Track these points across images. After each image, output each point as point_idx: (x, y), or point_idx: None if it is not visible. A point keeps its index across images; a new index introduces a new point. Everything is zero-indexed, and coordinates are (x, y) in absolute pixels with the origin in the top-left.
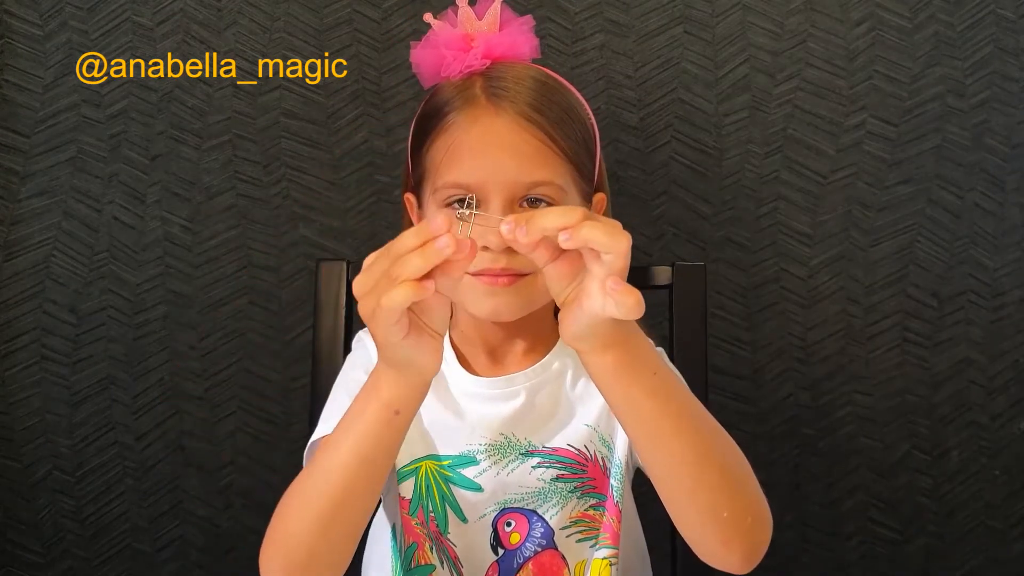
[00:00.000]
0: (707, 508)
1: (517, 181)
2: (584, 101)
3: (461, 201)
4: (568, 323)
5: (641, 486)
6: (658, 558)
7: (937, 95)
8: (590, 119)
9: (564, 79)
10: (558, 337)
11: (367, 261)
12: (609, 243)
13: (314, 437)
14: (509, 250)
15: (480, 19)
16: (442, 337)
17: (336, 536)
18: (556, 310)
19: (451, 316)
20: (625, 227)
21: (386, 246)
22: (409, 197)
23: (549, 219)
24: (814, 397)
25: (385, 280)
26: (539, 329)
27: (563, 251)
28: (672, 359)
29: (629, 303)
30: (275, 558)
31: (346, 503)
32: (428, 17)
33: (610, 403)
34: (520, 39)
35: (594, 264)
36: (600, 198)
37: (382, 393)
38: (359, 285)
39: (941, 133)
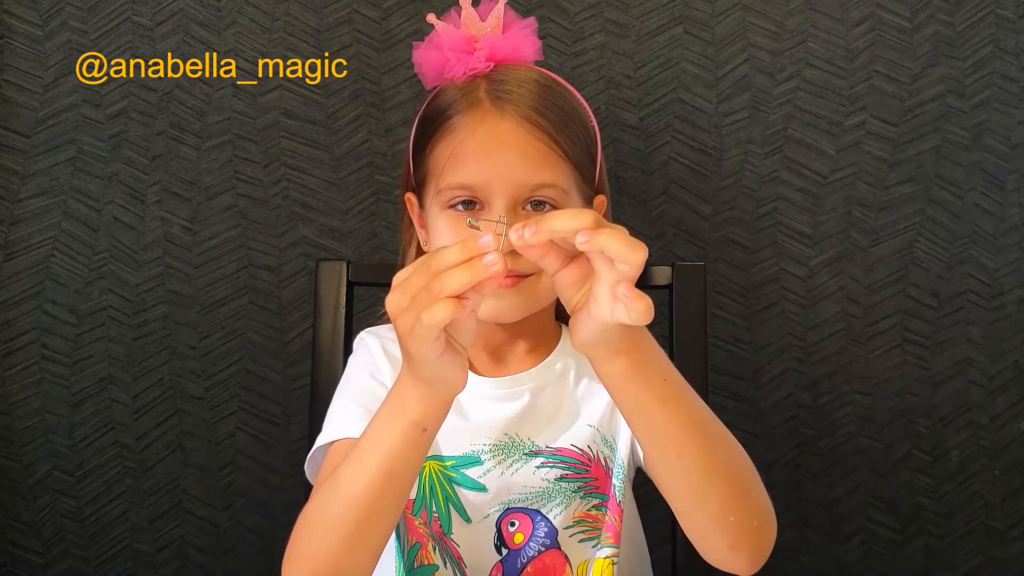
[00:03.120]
0: (715, 512)
1: (522, 183)
2: (586, 103)
3: (465, 203)
4: (578, 329)
5: (642, 486)
6: (658, 558)
7: (937, 95)
8: (592, 121)
9: (566, 81)
10: (559, 339)
11: (398, 278)
12: (627, 255)
13: (319, 443)
14: (513, 252)
15: (483, 20)
16: (468, 353)
17: (362, 551)
18: (558, 312)
19: None
20: (624, 227)
21: (419, 261)
22: (410, 197)
23: (559, 221)
24: (814, 397)
25: (425, 295)
26: (541, 330)
27: (572, 257)
28: (672, 359)
29: (640, 309)
30: (300, 574)
31: (372, 519)
32: (431, 18)
33: (620, 408)
34: (524, 42)
35: (605, 270)
36: (600, 200)
37: (410, 412)
38: (394, 303)
39: (941, 133)
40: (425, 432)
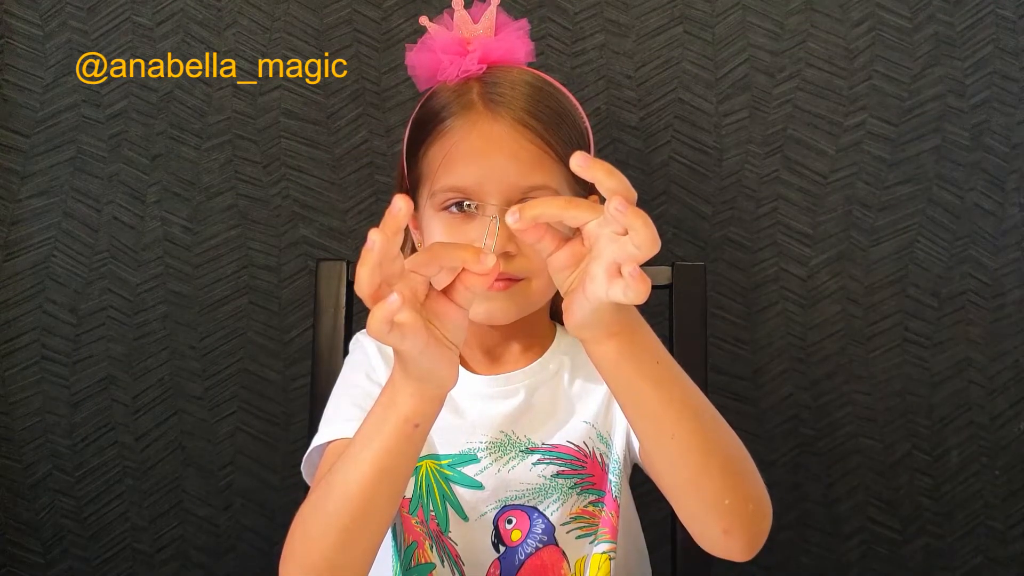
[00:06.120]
0: (709, 496)
1: (515, 185)
2: (578, 104)
3: (459, 204)
4: (573, 310)
5: (641, 486)
6: (658, 558)
7: (937, 95)
8: (584, 122)
9: (559, 82)
10: (554, 338)
11: None
12: (649, 244)
13: (315, 443)
14: (506, 255)
15: (476, 23)
16: (459, 349)
17: (358, 548)
18: (552, 312)
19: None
20: None
21: None
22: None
23: (616, 179)
24: (814, 397)
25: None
26: (535, 330)
27: (566, 240)
28: None
29: (641, 289)
30: (297, 571)
31: (367, 516)
32: (424, 20)
33: (614, 392)
34: (516, 44)
35: (610, 248)
36: (594, 200)
37: (401, 408)
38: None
39: (941, 133)
40: (417, 428)
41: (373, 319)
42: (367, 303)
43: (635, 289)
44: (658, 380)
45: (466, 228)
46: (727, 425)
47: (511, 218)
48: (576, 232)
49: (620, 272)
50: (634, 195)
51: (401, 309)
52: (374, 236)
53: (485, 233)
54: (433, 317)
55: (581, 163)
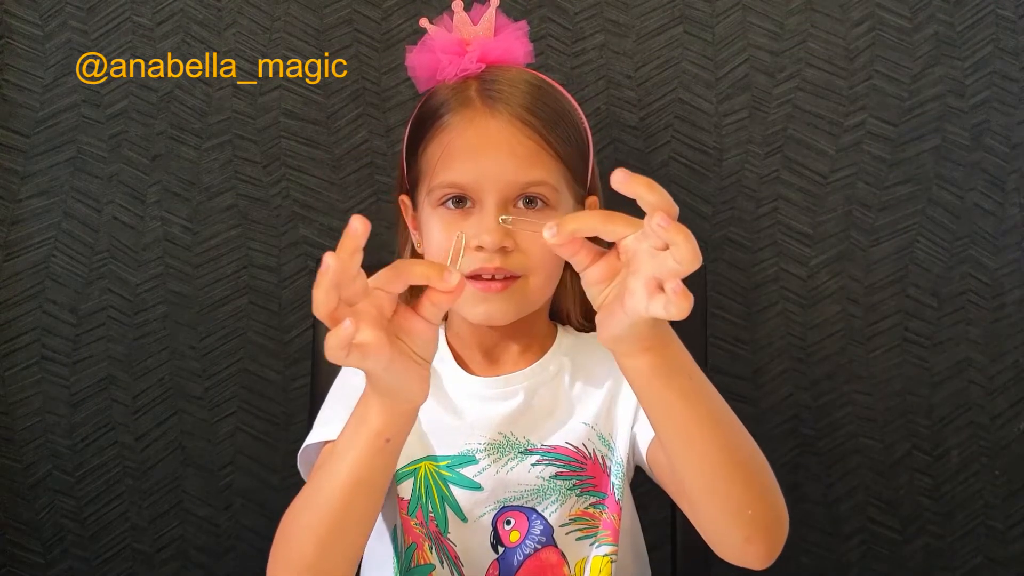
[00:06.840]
0: (734, 506)
1: (512, 180)
2: (577, 105)
3: (455, 200)
4: (608, 324)
5: (640, 486)
6: (658, 559)
7: (937, 95)
8: (583, 123)
9: (558, 83)
10: (554, 339)
11: None
12: (691, 259)
13: (308, 442)
14: (503, 250)
15: (475, 24)
16: (429, 364)
17: (338, 553)
18: (551, 312)
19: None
20: None
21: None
22: (404, 199)
23: (658, 194)
24: (814, 397)
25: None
26: (534, 331)
27: (601, 254)
28: None
29: (683, 305)
30: (282, 572)
31: (346, 523)
32: (424, 22)
33: (643, 404)
34: (514, 44)
35: (650, 264)
36: (593, 201)
37: (372, 423)
38: None
39: (941, 133)
40: (389, 443)
41: (328, 345)
42: (327, 324)
43: (678, 305)
44: (688, 394)
45: (463, 225)
46: (749, 436)
47: (548, 232)
48: (611, 245)
49: (660, 287)
50: (676, 210)
51: (357, 332)
52: (328, 260)
53: (451, 250)
54: (402, 333)
55: (622, 179)
